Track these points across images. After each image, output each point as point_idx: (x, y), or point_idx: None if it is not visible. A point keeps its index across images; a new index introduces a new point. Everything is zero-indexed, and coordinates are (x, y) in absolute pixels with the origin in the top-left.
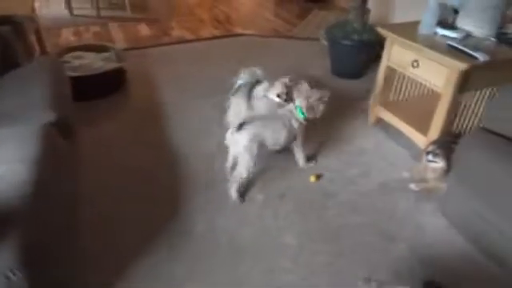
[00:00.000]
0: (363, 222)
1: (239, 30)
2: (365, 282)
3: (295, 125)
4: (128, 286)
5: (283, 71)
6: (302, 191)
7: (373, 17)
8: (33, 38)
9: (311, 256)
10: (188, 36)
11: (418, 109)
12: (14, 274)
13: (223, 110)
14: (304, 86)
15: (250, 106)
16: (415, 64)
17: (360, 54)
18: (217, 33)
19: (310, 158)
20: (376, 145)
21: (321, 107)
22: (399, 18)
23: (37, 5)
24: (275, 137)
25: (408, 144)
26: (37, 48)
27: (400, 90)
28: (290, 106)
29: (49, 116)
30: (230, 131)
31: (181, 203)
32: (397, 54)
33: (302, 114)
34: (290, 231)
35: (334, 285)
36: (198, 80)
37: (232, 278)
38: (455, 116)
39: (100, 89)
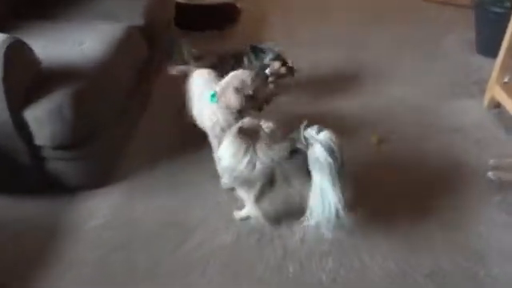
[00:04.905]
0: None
1: None
2: None
3: None
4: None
5: (405, 40)
6: (357, 146)
7: None
8: None
9: None
10: None
11: None
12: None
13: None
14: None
15: None
16: None
17: None
18: None
19: None
20: (475, 127)
21: None
22: None
23: None
24: None
25: None
26: None
27: None
28: None
29: (139, 21)
30: None
31: None
32: None
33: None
34: None
35: None
36: (308, 30)
37: None
38: None
39: (207, 21)
